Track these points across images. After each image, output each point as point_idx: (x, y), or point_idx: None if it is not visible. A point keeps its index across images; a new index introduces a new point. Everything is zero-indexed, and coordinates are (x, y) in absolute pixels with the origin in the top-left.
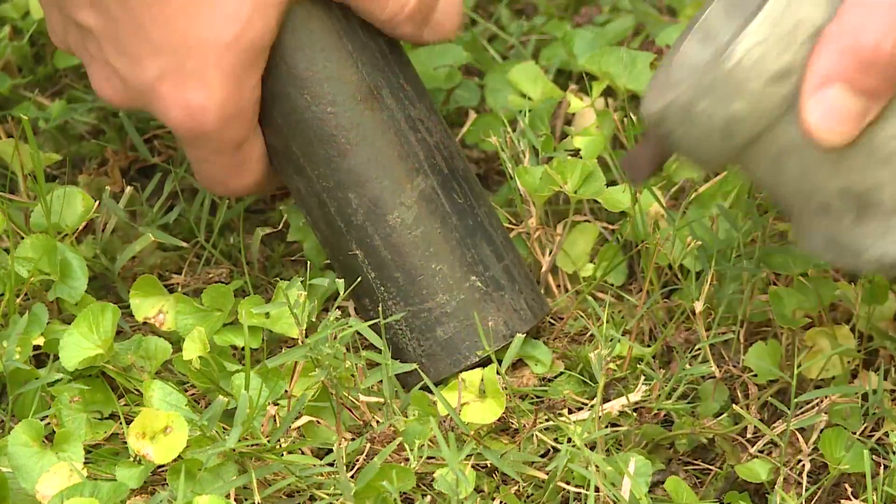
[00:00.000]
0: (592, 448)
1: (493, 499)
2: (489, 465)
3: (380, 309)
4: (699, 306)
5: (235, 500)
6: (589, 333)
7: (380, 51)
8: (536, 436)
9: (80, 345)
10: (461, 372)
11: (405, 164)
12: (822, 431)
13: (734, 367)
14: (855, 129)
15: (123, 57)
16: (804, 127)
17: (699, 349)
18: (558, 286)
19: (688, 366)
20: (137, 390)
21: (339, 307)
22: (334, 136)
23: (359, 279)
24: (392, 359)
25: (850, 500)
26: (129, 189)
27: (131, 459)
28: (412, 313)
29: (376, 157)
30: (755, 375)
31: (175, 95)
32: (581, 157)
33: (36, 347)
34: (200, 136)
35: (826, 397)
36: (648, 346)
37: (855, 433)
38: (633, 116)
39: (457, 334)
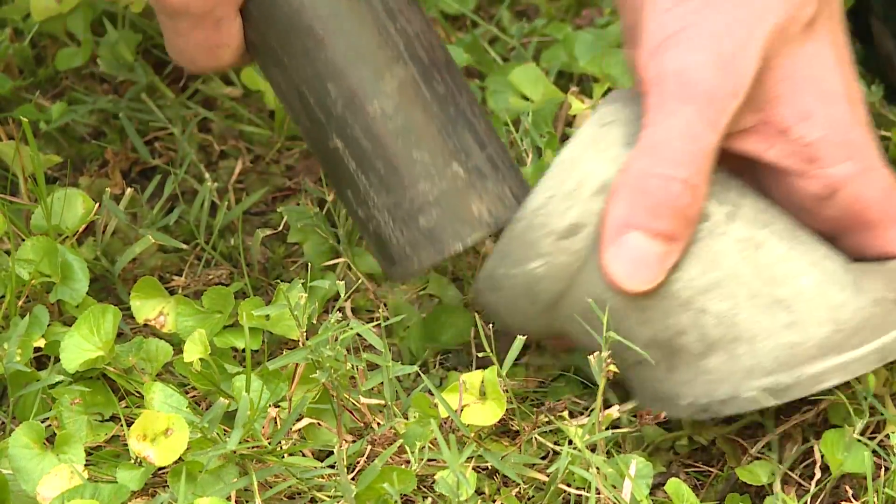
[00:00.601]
0: (593, 450)
1: (494, 501)
2: (490, 468)
3: (362, 199)
4: None
5: (236, 502)
6: None
7: None
8: (537, 438)
9: (80, 347)
10: (444, 260)
11: (384, 54)
12: (822, 432)
13: None
14: (659, 274)
15: None
16: (607, 277)
17: None
18: None
19: None
20: (138, 392)
21: (339, 309)
22: (311, 27)
23: (341, 170)
24: (376, 251)
25: (851, 501)
26: (129, 191)
27: (132, 461)
28: (394, 203)
29: (354, 47)
30: None
31: None
32: None
33: (37, 349)
34: (181, 9)
35: (825, 398)
36: None
37: (857, 434)
38: None
39: (439, 223)
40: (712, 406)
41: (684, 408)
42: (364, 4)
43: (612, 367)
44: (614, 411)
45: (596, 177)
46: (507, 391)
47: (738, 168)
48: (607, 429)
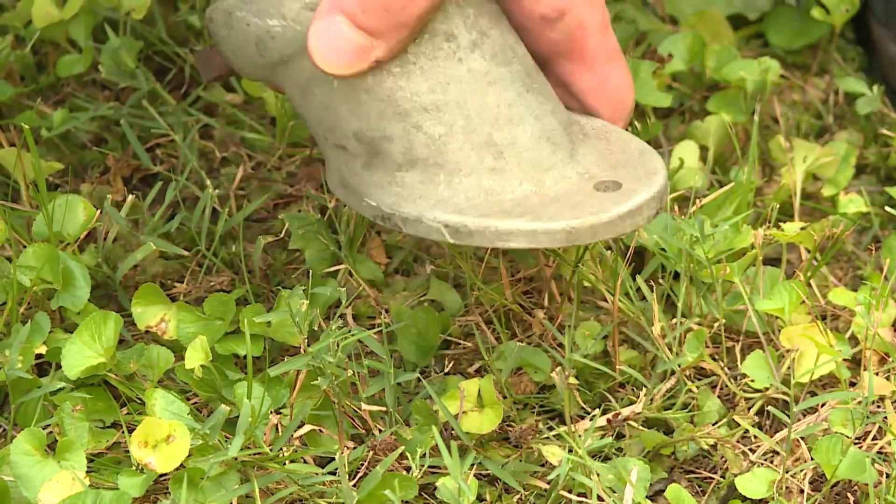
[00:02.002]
0: (594, 456)
1: None
2: (491, 474)
3: None
4: (657, 329)
5: None
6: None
7: None
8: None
9: (82, 353)
10: None
11: None
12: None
13: (729, 370)
14: (355, 63)
15: None
16: (308, 49)
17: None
18: (561, 294)
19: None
20: (140, 399)
21: (340, 316)
22: None
23: None
24: None
25: None
26: (130, 197)
27: (134, 468)
28: None
29: None
30: (753, 381)
31: None
32: None
33: (38, 356)
34: None
35: (823, 403)
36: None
37: (857, 441)
38: (637, 125)
39: None
40: (394, 219)
41: (367, 208)
42: None
43: (572, 380)
44: (615, 417)
45: None
46: (506, 397)
47: None
48: (607, 435)
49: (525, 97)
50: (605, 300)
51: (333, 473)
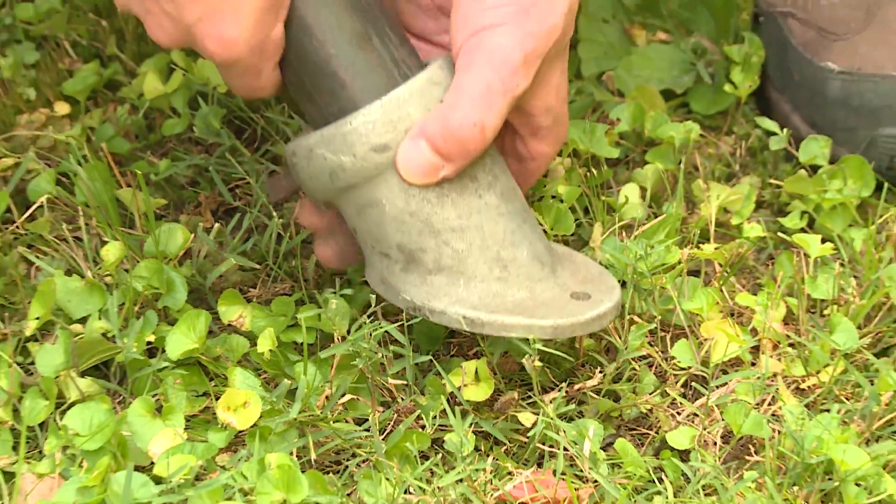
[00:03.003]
0: (561, 418)
1: (488, 456)
2: (485, 431)
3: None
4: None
5: (297, 456)
6: None
7: (367, 3)
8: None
9: (181, 341)
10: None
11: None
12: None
13: (662, 353)
14: (428, 176)
15: (172, 3)
16: (395, 160)
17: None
18: None
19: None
20: (224, 375)
21: (372, 313)
22: (336, 73)
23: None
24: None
25: (753, 456)
26: (217, 225)
27: (219, 426)
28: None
29: (369, 88)
30: (680, 362)
31: (212, 31)
32: (563, 202)
33: (148, 343)
34: (231, 62)
35: (732, 379)
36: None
37: (757, 406)
38: (594, 171)
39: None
40: (423, 310)
41: (402, 301)
42: (375, 54)
43: (537, 363)
44: (577, 389)
45: (412, 119)
46: (496, 374)
47: None
48: (571, 402)
49: (523, 227)
50: None
51: (367, 430)
